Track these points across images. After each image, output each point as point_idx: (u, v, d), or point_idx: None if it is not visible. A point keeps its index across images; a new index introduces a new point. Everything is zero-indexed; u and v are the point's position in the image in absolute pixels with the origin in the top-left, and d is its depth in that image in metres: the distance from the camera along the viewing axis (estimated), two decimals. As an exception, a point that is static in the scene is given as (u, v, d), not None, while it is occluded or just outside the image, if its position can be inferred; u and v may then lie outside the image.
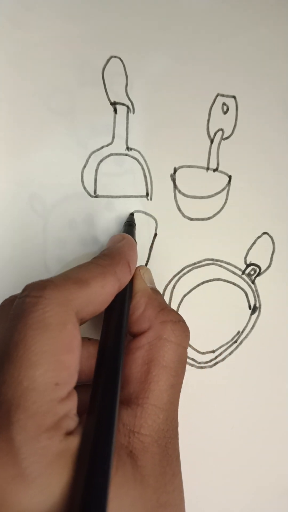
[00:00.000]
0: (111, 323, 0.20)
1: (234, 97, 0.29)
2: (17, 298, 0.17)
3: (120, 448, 0.17)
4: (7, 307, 0.19)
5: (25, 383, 0.15)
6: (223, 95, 0.29)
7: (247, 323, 0.29)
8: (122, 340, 0.19)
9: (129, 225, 0.27)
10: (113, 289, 0.20)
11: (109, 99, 0.28)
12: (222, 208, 0.29)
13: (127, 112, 0.28)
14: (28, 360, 0.15)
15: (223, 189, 0.29)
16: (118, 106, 0.28)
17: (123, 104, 0.28)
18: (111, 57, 0.28)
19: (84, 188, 0.28)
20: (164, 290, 0.29)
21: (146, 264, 0.29)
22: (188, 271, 0.29)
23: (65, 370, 0.16)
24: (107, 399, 0.17)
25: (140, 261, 0.29)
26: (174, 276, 0.29)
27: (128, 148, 0.28)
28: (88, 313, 0.18)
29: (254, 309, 0.29)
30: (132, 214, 0.28)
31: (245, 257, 0.29)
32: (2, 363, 0.16)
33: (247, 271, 0.29)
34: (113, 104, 0.28)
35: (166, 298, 0.29)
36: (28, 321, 0.16)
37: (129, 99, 0.28)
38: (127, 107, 0.28)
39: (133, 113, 0.28)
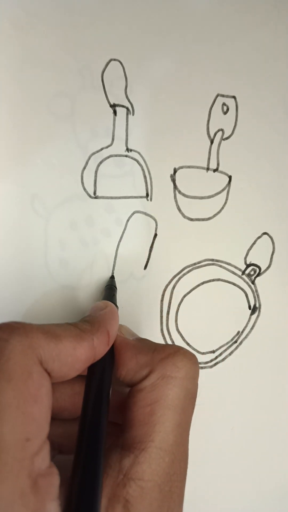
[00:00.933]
0: (92, 392, 0.19)
1: (234, 97, 0.29)
2: None
3: (116, 502, 0.17)
4: None
5: None
6: (223, 96, 0.29)
7: (247, 323, 0.29)
8: (103, 412, 0.18)
9: (110, 289, 0.26)
10: (86, 355, 0.18)
11: (108, 101, 0.28)
12: (222, 208, 0.29)
13: (127, 114, 0.28)
14: None
15: (223, 190, 0.29)
16: (117, 108, 0.28)
17: (123, 106, 0.28)
18: (111, 60, 0.28)
19: (84, 189, 0.28)
20: (164, 290, 0.29)
21: (146, 265, 0.29)
22: (188, 272, 0.29)
23: (33, 423, 0.15)
24: (88, 481, 0.16)
25: (140, 262, 0.29)
26: (174, 276, 0.29)
27: (128, 150, 0.29)
28: (56, 370, 0.17)
29: (254, 309, 0.29)
30: (112, 277, 0.28)
31: (245, 258, 0.29)
32: None
33: (247, 272, 0.29)
34: (113, 106, 0.28)
35: (166, 298, 0.29)
36: None
37: (129, 101, 0.28)
38: (127, 109, 0.28)
39: (133, 114, 0.28)
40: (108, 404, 0.19)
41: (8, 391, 0.15)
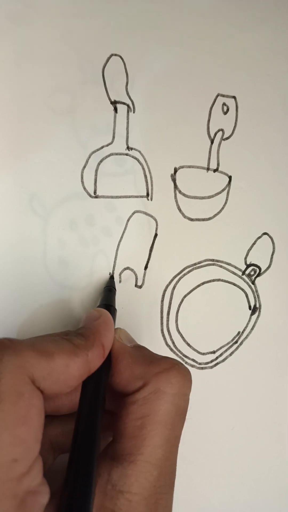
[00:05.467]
0: (86, 403, 0.19)
1: (234, 97, 0.29)
2: None
3: None
4: None
5: None
6: (223, 96, 0.29)
7: (247, 324, 0.29)
8: (97, 423, 0.18)
9: (109, 291, 0.26)
10: (80, 371, 0.18)
11: (109, 98, 0.27)
12: (222, 208, 0.29)
13: (128, 111, 0.28)
14: None
15: (223, 190, 0.29)
16: (118, 105, 0.28)
17: (124, 103, 0.28)
18: (112, 55, 0.27)
19: (84, 188, 0.27)
20: (165, 291, 0.29)
21: (147, 265, 0.28)
22: (188, 272, 0.29)
23: (22, 444, 0.15)
24: (81, 489, 0.16)
25: (141, 262, 0.28)
26: (175, 276, 0.29)
27: (128, 148, 0.28)
28: (49, 387, 0.17)
29: (254, 310, 0.29)
30: (112, 278, 0.28)
31: (245, 258, 0.30)
32: None
33: (247, 272, 0.30)
34: (114, 103, 0.28)
35: (167, 298, 0.29)
36: None
37: (130, 98, 0.28)
38: (128, 106, 0.28)
39: (134, 112, 0.28)
40: (102, 412, 0.19)
41: None
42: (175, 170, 0.29)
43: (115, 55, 0.27)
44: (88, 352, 0.19)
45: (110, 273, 0.28)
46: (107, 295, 0.26)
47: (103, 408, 0.19)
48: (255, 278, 0.30)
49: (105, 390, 0.20)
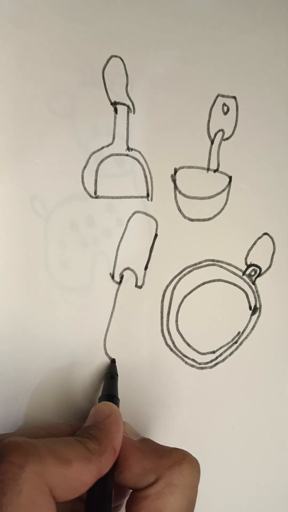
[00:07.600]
0: (94, 505, 0.19)
1: (234, 97, 0.29)
2: None
3: None
4: None
5: None
6: (223, 96, 0.29)
7: (248, 324, 0.29)
8: None
9: (111, 378, 0.25)
10: (92, 479, 0.18)
11: (109, 99, 0.28)
12: (223, 209, 0.29)
13: (128, 112, 0.28)
14: None
15: (223, 190, 0.29)
16: (118, 106, 0.28)
17: (124, 104, 0.28)
18: (112, 56, 0.27)
19: (85, 189, 0.27)
20: (165, 291, 0.29)
21: (147, 265, 0.29)
22: (188, 272, 0.29)
23: None
24: None
25: (141, 262, 0.29)
26: (175, 277, 0.29)
27: (128, 149, 0.28)
28: (62, 496, 0.17)
29: (254, 310, 0.29)
30: (113, 362, 0.27)
31: (246, 258, 0.30)
32: None
33: (247, 272, 0.30)
34: (114, 104, 0.28)
35: (167, 299, 0.29)
36: (3, 501, 0.15)
37: (130, 99, 0.28)
38: (128, 107, 0.28)
39: (134, 113, 0.28)
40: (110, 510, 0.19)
41: None
42: (175, 171, 0.29)
43: (115, 56, 0.27)
44: (101, 458, 0.18)
45: (111, 358, 0.27)
46: (109, 383, 0.25)
47: (111, 506, 0.19)
48: (256, 278, 0.30)
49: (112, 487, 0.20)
